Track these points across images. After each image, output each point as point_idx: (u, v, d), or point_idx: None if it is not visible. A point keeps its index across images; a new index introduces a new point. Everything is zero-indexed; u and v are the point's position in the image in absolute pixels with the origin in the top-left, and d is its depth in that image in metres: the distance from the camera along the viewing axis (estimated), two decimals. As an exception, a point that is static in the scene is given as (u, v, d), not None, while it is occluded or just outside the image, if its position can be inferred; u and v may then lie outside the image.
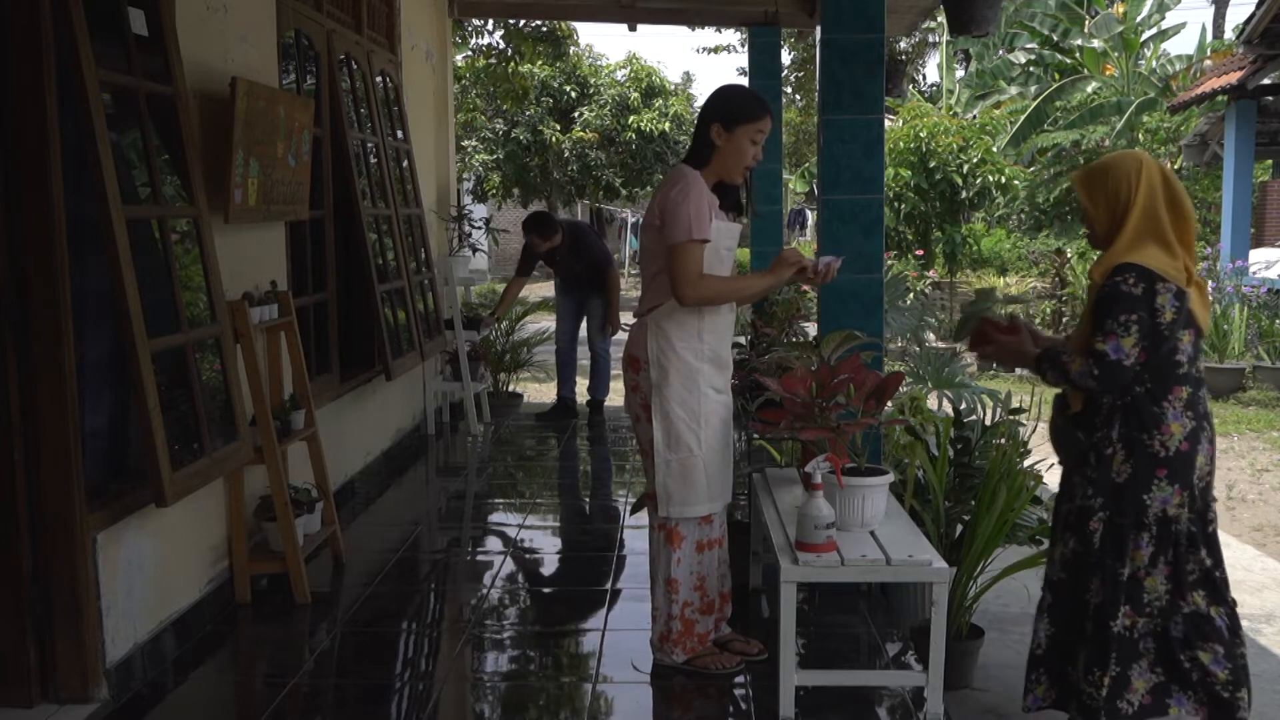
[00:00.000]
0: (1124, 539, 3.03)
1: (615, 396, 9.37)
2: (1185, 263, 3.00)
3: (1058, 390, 3.18)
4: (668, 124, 20.24)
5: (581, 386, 8.09)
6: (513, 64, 11.20)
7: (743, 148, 3.25)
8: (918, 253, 12.83)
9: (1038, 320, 13.33)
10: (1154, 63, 17.52)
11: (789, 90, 22.25)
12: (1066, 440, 3.14)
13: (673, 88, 21.72)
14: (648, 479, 3.43)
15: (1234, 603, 3.15)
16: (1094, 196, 3.08)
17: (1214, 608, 3.09)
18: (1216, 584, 3.13)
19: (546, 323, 8.88)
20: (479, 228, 8.13)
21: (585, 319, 7.79)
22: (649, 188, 21.01)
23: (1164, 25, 17.44)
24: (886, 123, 4.52)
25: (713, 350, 3.32)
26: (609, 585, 4.32)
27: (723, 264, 3.30)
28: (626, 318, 4.29)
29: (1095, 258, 3.27)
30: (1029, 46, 18.26)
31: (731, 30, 20.40)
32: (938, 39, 22.01)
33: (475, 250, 7.75)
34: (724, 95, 3.35)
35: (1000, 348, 3.18)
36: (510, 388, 8.52)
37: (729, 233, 3.33)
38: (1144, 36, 17.34)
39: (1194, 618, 3.08)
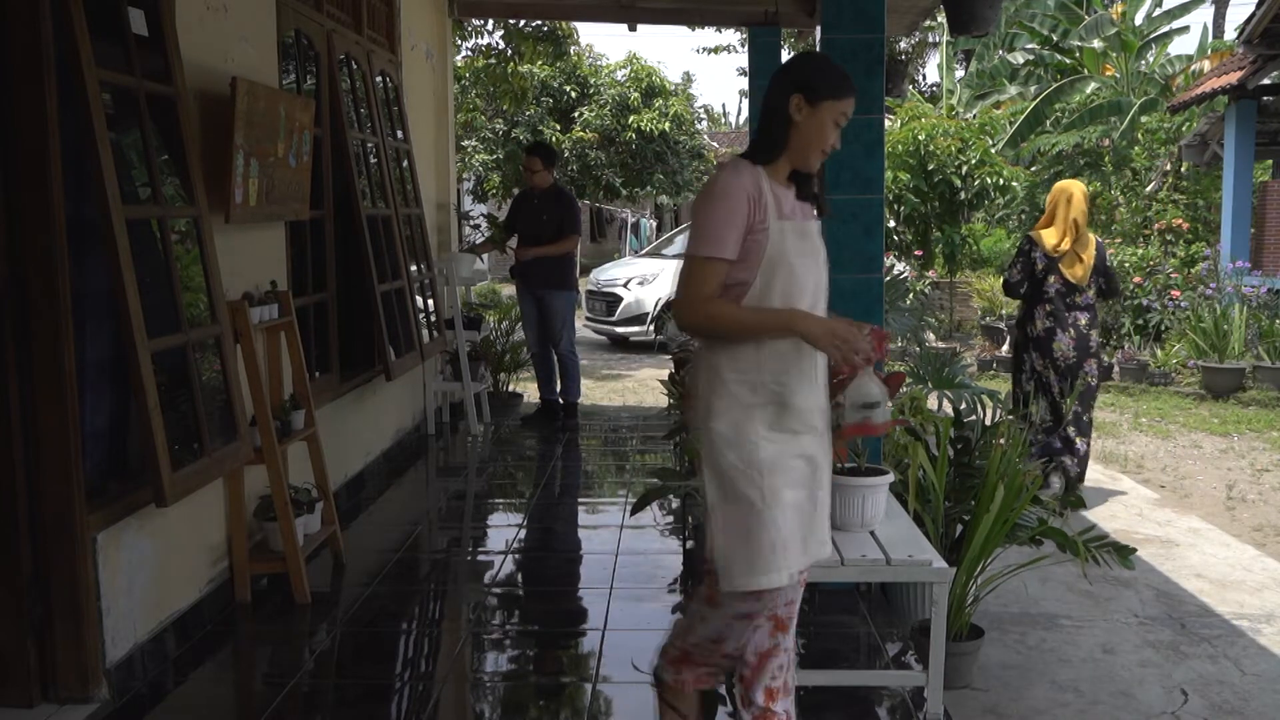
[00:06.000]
0: (1020, 367, 6.01)
1: (612, 396, 9.39)
2: (1063, 242, 5.77)
3: None
4: (668, 124, 20.26)
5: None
6: (513, 64, 11.19)
7: (825, 128, 2.57)
8: (917, 253, 12.83)
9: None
10: (1157, 65, 17.51)
11: (789, 90, 22.17)
12: None
13: (673, 88, 21.74)
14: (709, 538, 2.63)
15: (1079, 440, 5.87)
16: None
17: (1080, 438, 5.84)
18: (1080, 424, 5.88)
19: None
20: (477, 226, 8.11)
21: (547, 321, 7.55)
22: (649, 187, 21.03)
23: (1167, 28, 17.42)
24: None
25: (778, 384, 2.52)
26: (609, 585, 4.32)
27: (794, 276, 2.53)
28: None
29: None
30: (1029, 47, 18.25)
31: (731, 30, 20.40)
32: (938, 39, 22.00)
33: (478, 253, 7.74)
34: (811, 64, 2.67)
35: None
36: (510, 388, 8.52)
37: (800, 234, 2.59)
38: (1147, 38, 17.33)
39: (1066, 440, 5.81)
